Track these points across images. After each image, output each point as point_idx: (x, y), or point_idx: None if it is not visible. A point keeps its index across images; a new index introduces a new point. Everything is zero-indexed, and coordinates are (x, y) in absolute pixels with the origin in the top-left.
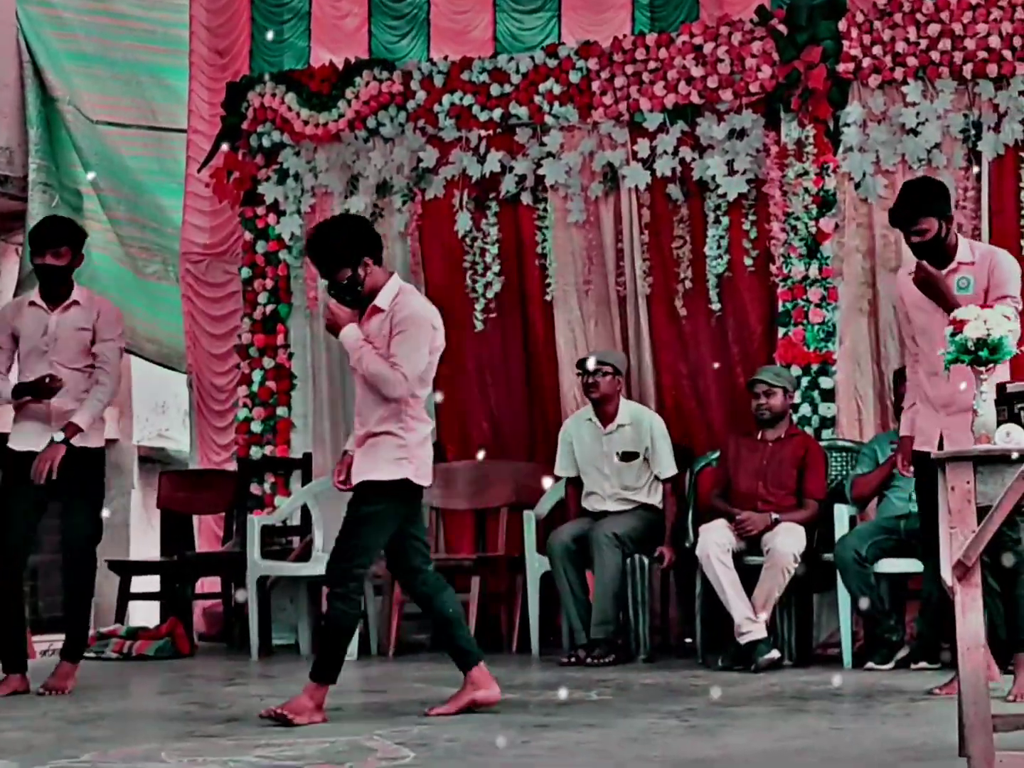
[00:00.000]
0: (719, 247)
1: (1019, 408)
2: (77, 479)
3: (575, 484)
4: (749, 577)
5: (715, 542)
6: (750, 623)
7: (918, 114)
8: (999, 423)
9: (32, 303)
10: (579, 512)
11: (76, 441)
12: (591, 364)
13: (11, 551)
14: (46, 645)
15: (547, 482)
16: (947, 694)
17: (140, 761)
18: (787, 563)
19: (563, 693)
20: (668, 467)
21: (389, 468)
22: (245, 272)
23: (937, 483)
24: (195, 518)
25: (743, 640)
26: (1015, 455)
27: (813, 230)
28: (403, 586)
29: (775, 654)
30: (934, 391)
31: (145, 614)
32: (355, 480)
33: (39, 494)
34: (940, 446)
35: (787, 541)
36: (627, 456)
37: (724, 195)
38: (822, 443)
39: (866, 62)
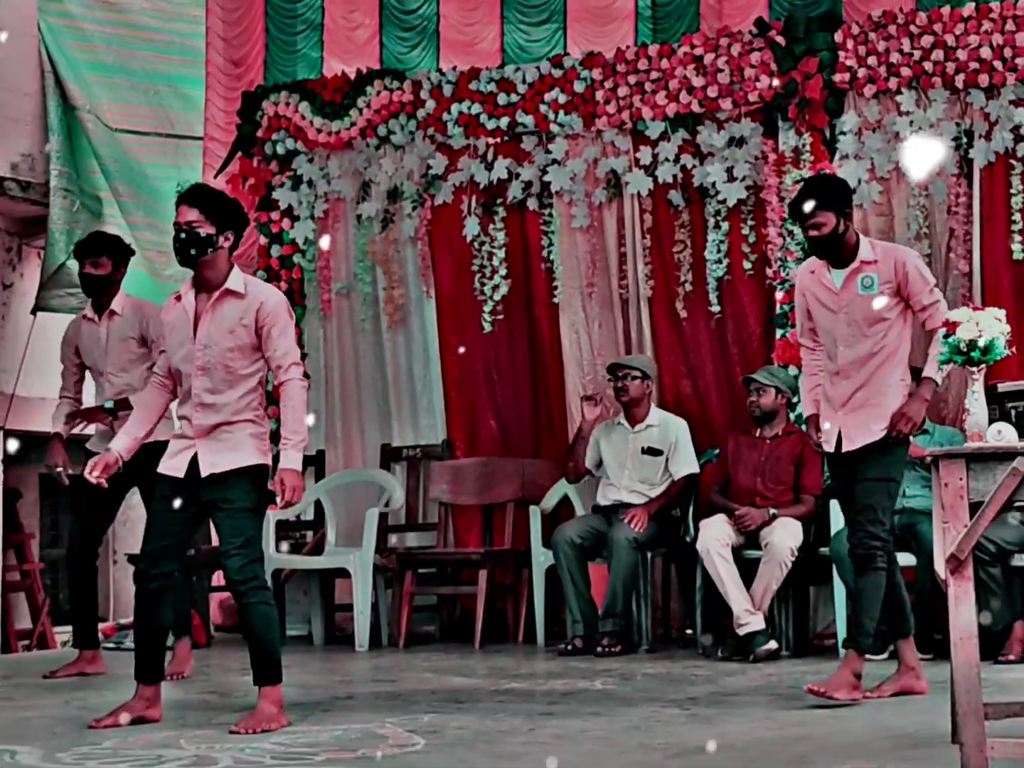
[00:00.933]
0: (719, 251)
1: (1010, 407)
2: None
3: (584, 469)
4: (748, 570)
5: (715, 537)
6: (749, 615)
7: (911, 123)
8: (991, 421)
9: (85, 317)
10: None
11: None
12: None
13: (86, 543)
14: (66, 636)
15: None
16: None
17: (159, 748)
18: (784, 557)
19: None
20: (686, 465)
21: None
22: (260, 275)
23: (839, 480)
24: None
25: (742, 631)
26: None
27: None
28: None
29: (773, 645)
30: (834, 390)
31: None
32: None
33: (112, 492)
34: (839, 446)
35: (784, 536)
36: (652, 451)
37: (724, 201)
38: (822, 459)
39: (861, 72)
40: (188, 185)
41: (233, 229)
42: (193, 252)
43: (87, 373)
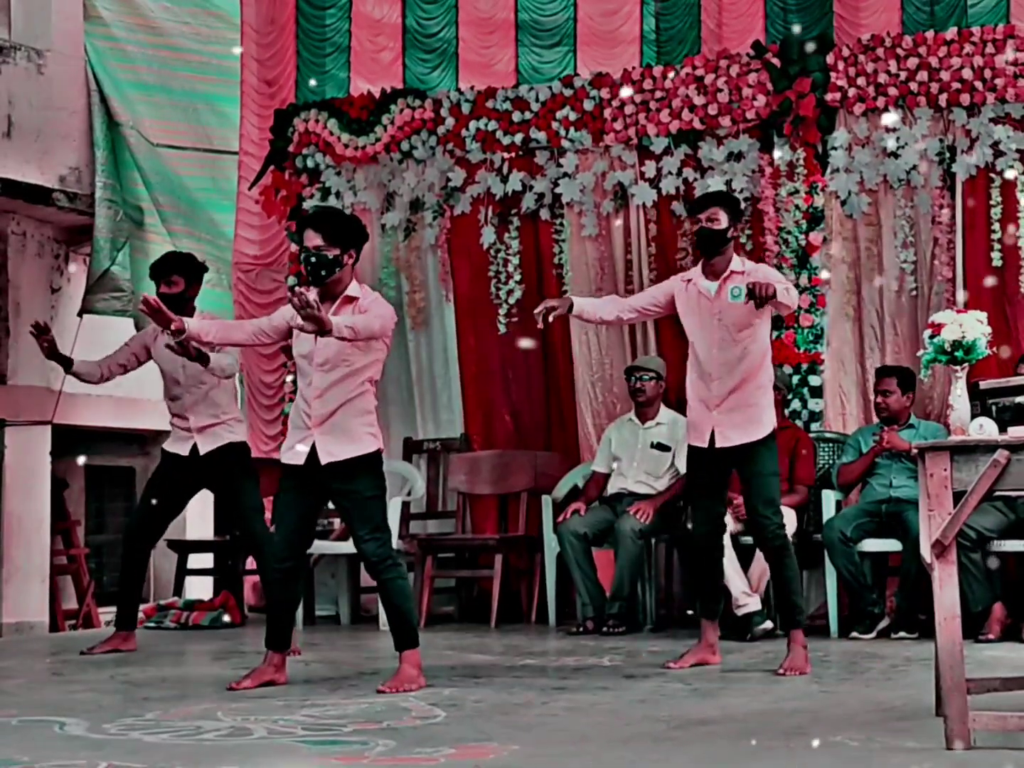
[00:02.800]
0: None
1: (991, 403)
2: (222, 473)
3: (602, 478)
4: (746, 555)
5: None
6: (746, 597)
7: (898, 139)
8: (973, 416)
9: (162, 332)
10: (595, 498)
11: (218, 441)
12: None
13: (146, 530)
14: (109, 616)
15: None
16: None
17: (198, 719)
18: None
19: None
20: None
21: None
22: (291, 280)
23: (702, 472)
24: None
25: (740, 612)
26: None
27: (803, 243)
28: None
29: (769, 624)
30: (707, 392)
31: (200, 588)
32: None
33: (183, 488)
34: (712, 441)
35: None
36: (660, 447)
37: None
38: (811, 435)
39: (851, 92)
40: (313, 209)
41: (355, 247)
42: (323, 274)
43: (162, 378)
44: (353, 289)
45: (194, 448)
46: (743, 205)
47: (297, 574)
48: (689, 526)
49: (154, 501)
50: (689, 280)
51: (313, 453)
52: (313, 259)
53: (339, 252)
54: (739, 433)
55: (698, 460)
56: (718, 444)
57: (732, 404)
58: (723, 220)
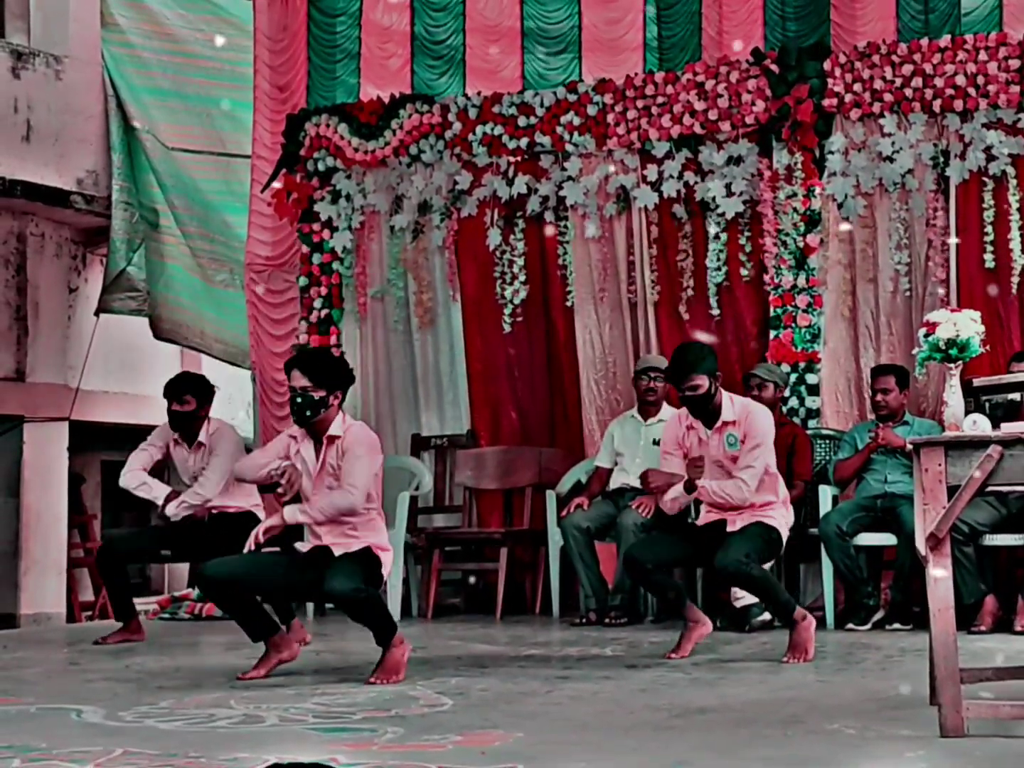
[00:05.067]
0: (718, 260)
1: (984, 400)
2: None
3: (605, 473)
4: None
5: None
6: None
7: (893, 143)
8: (966, 413)
9: (176, 440)
10: (598, 494)
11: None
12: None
13: (124, 557)
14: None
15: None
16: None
17: (211, 707)
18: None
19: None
20: None
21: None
22: (302, 281)
23: (686, 537)
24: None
25: (738, 604)
26: None
27: (801, 245)
28: None
29: (766, 616)
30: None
31: None
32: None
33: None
34: (710, 525)
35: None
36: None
37: (723, 214)
38: (808, 431)
39: (848, 98)
40: (298, 352)
41: (341, 388)
42: (308, 414)
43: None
44: (335, 427)
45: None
46: (714, 351)
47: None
48: (689, 520)
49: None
50: (691, 426)
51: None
52: (299, 399)
53: (325, 394)
54: (747, 523)
55: (691, 531)
56: (728, 528)
57: (747, 513)
58: (704, 383)
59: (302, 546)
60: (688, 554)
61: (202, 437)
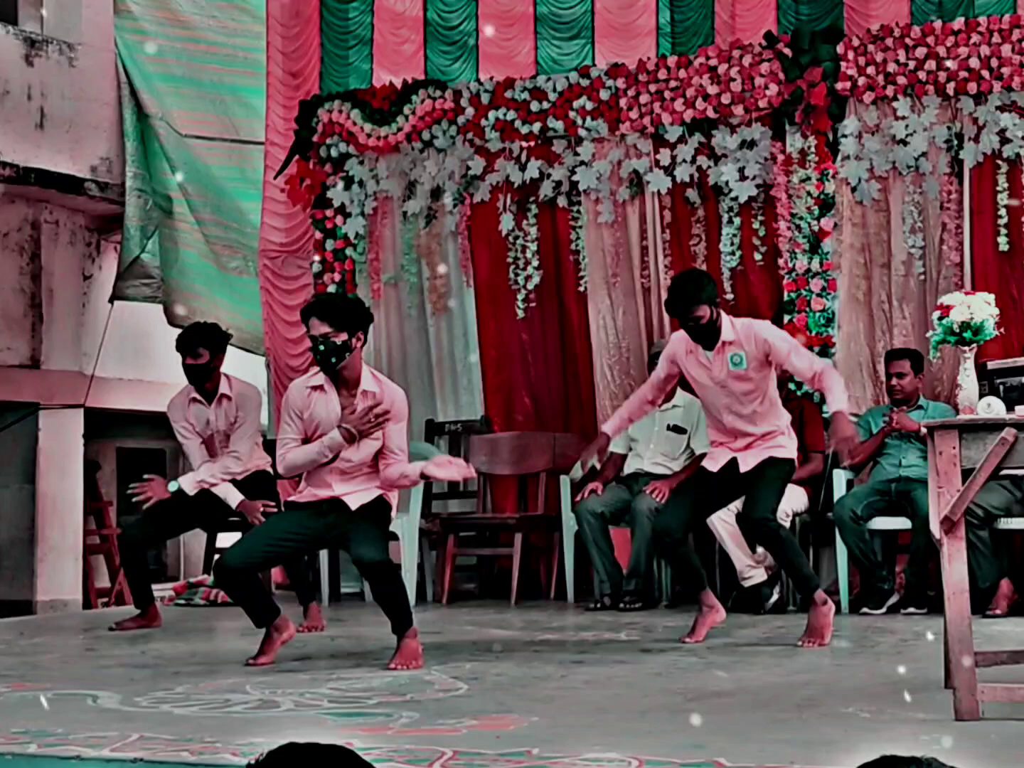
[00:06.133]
0: (732, 244)
1: (998, 382)
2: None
3: (619, 458)
4: None
5: None
6: (751, 569)
7: (907, 127)
8: (981, 396)
9: (193, 399)
10: (612, 479)
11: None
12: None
13: (146, 542)
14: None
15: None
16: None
17: (227, 692)
18: (780, 518)
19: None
20: (705, 443)
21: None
22: (316, 267)
23: (701, 490)
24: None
25: (746, 584)
26: None
27: (815, 229)
28: None
29: (776, 595)
30: (721, 437)
31: None
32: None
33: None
34: (723, 468)
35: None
36: (676, 429)
37: (736, 198)
38: (824, 415)
39: (861, 81)
40: (314, 299)
41: (362, 329)
42: (334, 360)
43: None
44: (367, 381)
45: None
46: (712, 279)
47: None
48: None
49: (166, 517)
50: (691, 351)
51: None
52: (322, 347)
53: (347, 337)
54: (756, 459)
55: (705, 483)
56: (741, 469)
57: (755, 448)
58: (706, 313)
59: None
60: (710, 505)
61: (224, 390)
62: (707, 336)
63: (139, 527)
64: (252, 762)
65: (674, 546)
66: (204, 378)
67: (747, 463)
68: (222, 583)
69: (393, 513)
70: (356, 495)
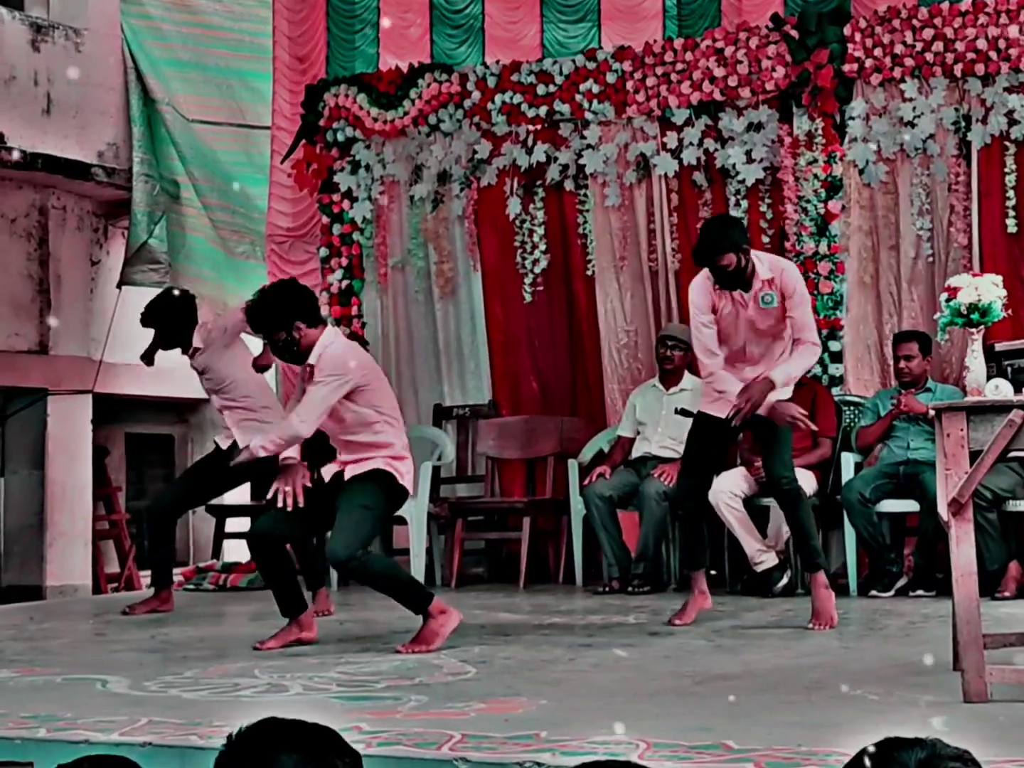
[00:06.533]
0: None
1: (1006, 364)
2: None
3: (627, 442)
4: (762, 517)
5: (722, 490)
6: (762, 554)
7: (914, 108)
8: (988, 378)
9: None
10: (620, 463)
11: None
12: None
13: (171, 510)
14: (150, 578)
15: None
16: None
17: (236, 677)
18: None
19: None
20: None
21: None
22: (323, 251)
23: (709, 442)
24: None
25: (758, 569)
26: None
27: (822, 211)
28: None
29: (786, 579)
30: (738, 374)
31: (238, 551)
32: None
33: (220, 481)
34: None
35: None
36: (684, 412)
37: (743, 181)
38: (834, 401)
39: (868, 63)
40: (247, 310)
41: (296, 319)
42: (288, 357)
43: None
44: (313, 356)
45: (234, 443)
46: (740, 224)
47: (278, 545)
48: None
49: (192, 483)
50: (718, 287)
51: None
52: (274, 350)
53: (284, 335)
54: (765, 407)
55: (710, 428)
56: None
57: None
58: (732, 260)
59: (327, 471)
60: (721, 456)
61: (196, 342)
62: (735, 282)
63: (164, 492)
64: (232, 735)
65: (695, 514)
66: (177, 343)
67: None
68: (255, 554)
69: (401, 480)
70: (354, 464)
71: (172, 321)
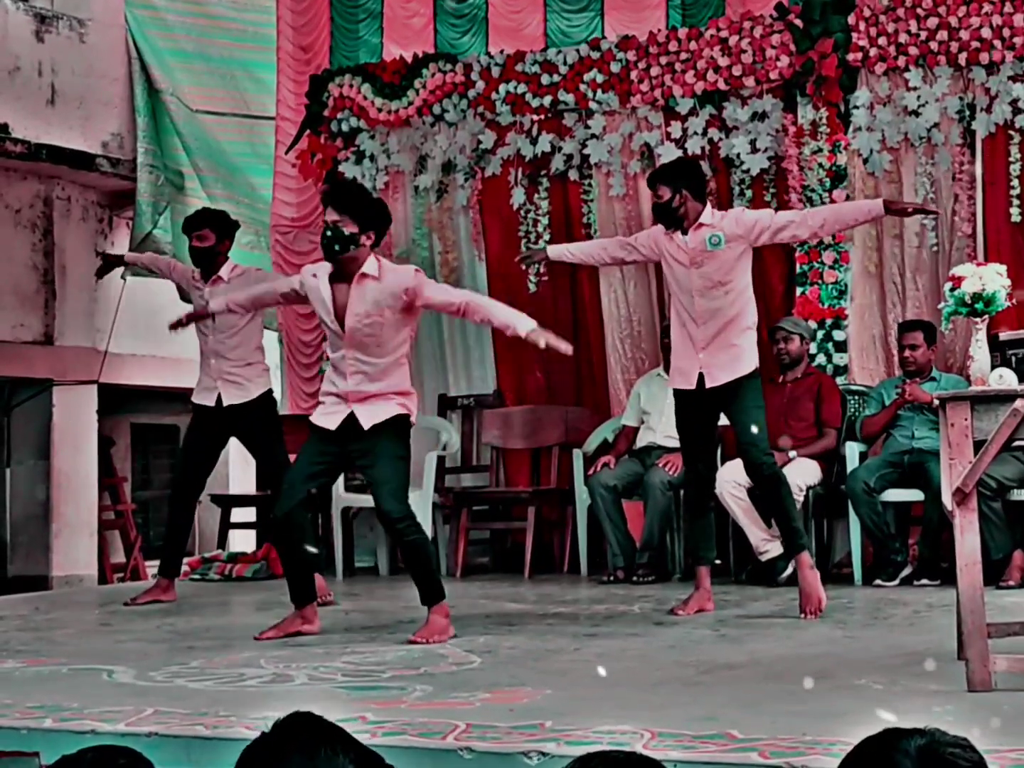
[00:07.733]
0: None
1: (1010, 354)
2: (251, 425)
3: (632, 432)
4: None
5: (726, 480)
6: (766, 543)
7: (919, 97)
8: (992, 367)
9: (194, 278)
10: (624, 452)
11: (243, 396)
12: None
13: (189, 484)
14: (155, 568)
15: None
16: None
17: (242, 667)
18: (794, 492)
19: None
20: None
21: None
22: None
23: (692, 420)
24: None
25: (763, 558)
26: None
27: (827, 201)
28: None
29: (791, 568)
30: (691, 337)
31: (243, 541)
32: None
33: (213, 441)
34: (700, 383)
35: (794, 474)
36: None
37: (748, 171)
38: (839, 391)
39: (873, 52)
40: (331, 184)
41: (374, 228)
42: (337, 248)
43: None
44: (369, 266)
45: (218, 399)
46: (693, 169)
47: (296, 523)
48: None
49: (191, 454)
50: (669, 235)
51: (346, 421)
52: (328, 232)
53: (357, 231)
54: (725, 372)
55: (686, 405)
56: (707, 385)
57: (717, 346)
58: (665, 194)
59: (331, 422)
60: (710, 429)
61: (223, 273)
62: (665, 217)
63: (179, 468)
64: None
65: (697, 501)
66: (208, 262)
67: (714, 377)
68: (279, 540)
69: (413, 417)
70: (371, 407)
71: (215, 224)
